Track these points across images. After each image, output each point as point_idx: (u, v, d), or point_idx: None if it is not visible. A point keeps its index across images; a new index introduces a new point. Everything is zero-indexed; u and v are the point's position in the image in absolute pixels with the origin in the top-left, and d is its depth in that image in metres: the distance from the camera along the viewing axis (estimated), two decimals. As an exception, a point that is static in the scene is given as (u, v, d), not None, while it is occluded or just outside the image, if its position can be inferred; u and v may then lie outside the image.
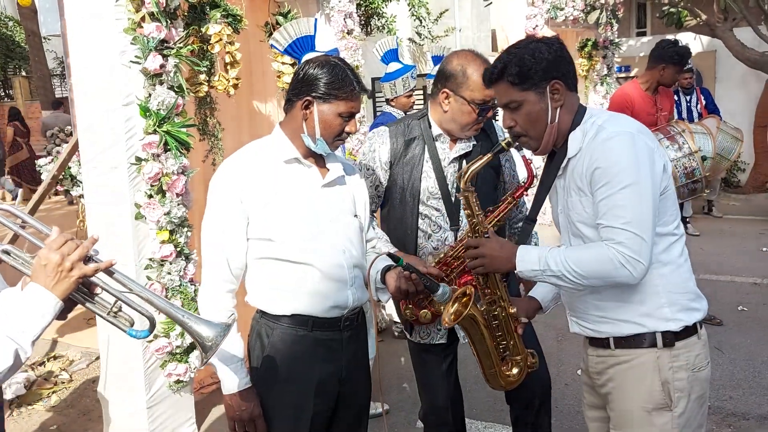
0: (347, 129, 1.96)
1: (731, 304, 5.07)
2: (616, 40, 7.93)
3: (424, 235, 2.47)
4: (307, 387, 1.96)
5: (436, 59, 5.31)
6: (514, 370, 2.07)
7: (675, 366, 1.80)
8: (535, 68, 1.78)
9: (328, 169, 2.03)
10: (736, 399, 3.64)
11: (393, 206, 2.51)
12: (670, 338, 1.80)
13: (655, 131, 4.43)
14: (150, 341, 2.97)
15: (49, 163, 4.46)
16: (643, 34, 13.77)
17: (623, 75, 9.74)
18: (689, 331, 1.82)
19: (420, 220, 2.46)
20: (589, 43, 7.70)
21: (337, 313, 1.99)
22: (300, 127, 1.96)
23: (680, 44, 4.49)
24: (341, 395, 2.04)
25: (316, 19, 3.47)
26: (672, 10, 10.06)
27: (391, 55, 4.81)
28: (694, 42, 11.10)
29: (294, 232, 1.92)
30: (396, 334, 4.90)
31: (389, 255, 2.01)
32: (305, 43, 3.39)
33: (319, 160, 2.03)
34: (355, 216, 2.08)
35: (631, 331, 1.82)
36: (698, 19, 9.92)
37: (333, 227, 1.99)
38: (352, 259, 2.01)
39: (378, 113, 6.23)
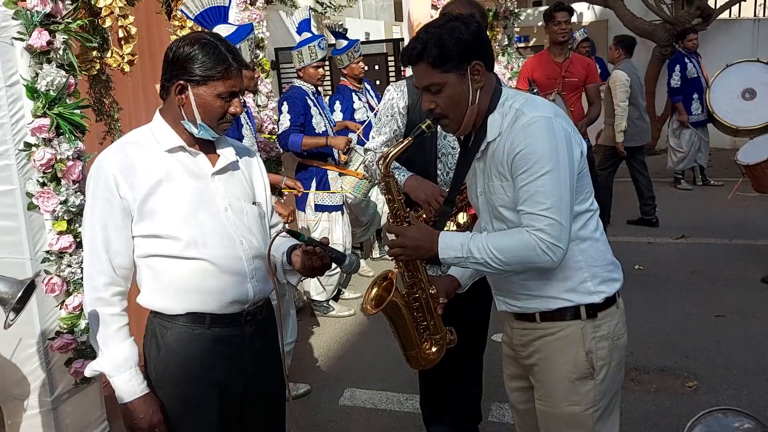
0: (231, 110, 1.81)
1: (628, 264, 5.37)
2: (516, 11, 8.09)
3: (443, 168, 2.63)
4: (210, 387, 1.86)
5: (337, 35, 5.20)
6: (434, 349, 2.08)
7: (597, 336, 1.87)
8: (456, 50, 1.75)
9: (219, 155, 1.90)
10: (637, 354, 3.87)
11: (413, 147, 2.57)
12: (593, 310, 1.87)
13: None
14: (51, 339, 2.79)
15: None
16: (539, 4, 14.15)
17: (522, 45, 9.99)
18: (609, 301, 1.89)
19: (437, 160, 2.66)
20: (491, 13, 7.80)
21: (238, 309, 1.88)
22: (179, 114, 1.81)
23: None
24: (250, 391, 1.95)
25: None
26: (567, -20, 10.37)
27: (304, 25, 4.72)
28: (587, 11, 11.54)
29: (182, 226, 1.79)
30: (314, 311, 4.88)
31: (288, 232, 1.93)
32: (217, 13, 3.23)
33: (209, 146, 1.89)
34: (254, 203, 1.96)
35: (558, 306, 1.87)
36: (590, -11, 10.30)
37: (228, 217, 1.86)
38: (252, 249, 1.89)
39: (285, 86, 6.07)
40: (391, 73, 7.31)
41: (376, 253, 6.09)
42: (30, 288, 1.60)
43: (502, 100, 1.84)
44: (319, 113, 4.61)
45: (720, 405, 3.25)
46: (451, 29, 1.76)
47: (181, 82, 1.78)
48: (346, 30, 5.31)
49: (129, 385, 1.80)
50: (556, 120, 1.76)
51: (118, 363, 1.80)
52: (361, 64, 5.19)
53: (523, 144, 1.73)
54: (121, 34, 3.27)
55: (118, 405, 1.83)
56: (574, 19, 5.33)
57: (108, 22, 3.14)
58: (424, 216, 2.52)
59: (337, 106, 5.14)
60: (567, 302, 1.86)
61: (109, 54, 3.23)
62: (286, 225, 2.23)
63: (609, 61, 7.46)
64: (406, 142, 1.90)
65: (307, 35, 4.65)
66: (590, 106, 5.17)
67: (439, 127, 1.91)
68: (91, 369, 1.87)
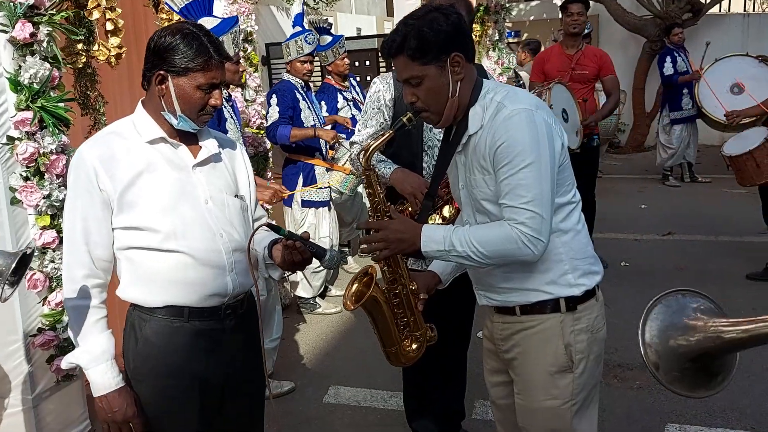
0: (211, 102, 1.81)
1: (614, 260, 5.40)
2: (507, 5, 8.08)
3: (429, 161, 2.65)
4: (189, 381, 1.86)
5: (322, 30, 5.16)
6: (414, 346, 2.08)
7: (576, 329, 1.88)
8: (435, 42, 1.75)
9: (201, 147, 1.89)
10: (621, 351, 3.89)
11: (399, 140, 2.58)
12: (573, 303, 1.88)
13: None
14: (33, 335, 2.77)
15: None
16: (532, -2, 14.14)
17: (514, 40, 9.99)
18: (588, 294, 1.90)
19: (423, 153, 2.66)
20: (481, 8, 7.79)
21: (217, 302, 1.87)
22: (160, 105, 1.81)
23: None
24: (230, 386, 1.95)
25: None
26: (558, -25, 10.37)
27: (298, 19, 4.74)
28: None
29: (162, 218, 1.79)
30: (300, 308, 4.88)
31: (269, 226, 1.92)
32: (202, 5, 3.23)
33: (191, 138, 1.88)
34: (237, 196, 1.96)
35: (538, 299, 1.88)
36: (582, -15, 10.28)
37: (209, 209, 1.86)
38: (232, 242, 1.89)
39: (276, 81, 6.05)
40: (382, 69, 7.31)
41: (364, 249, 6.08)
42: (24, 260, 1.58)
43: (483, 92, 1.84)
44: (308, 107, 4.60)
45: (702, 402, 3.30)
46: (431, 21, 1.75)
47: (162, 72, 1.77)
48: (330, 25, 5.28)
49: (105, 377, 1.80)
50: (537, 112, 1.77)
51: (95, 355, 1.80)
52: (346, 60, 5.15)
53: (505, 137, 1.73)
54: (109, 27, 3.25)
55: (94, 398, 1.83)
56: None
57: (96, 15, 3.11)
58: (410, 209, 2.52)
59: (323, 106, 5.10)
60: (547, 295, 1.87)
61: (96, 47, 3.21)
62: (270, 216, 2.23)
63: (517, 62, 7.53)
64: (386, 135, 1.89)
65: (298, 29, 4.66)
66: (607, 98, 5.20)
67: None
68: (67, 361, 1.87)
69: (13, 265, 1.55)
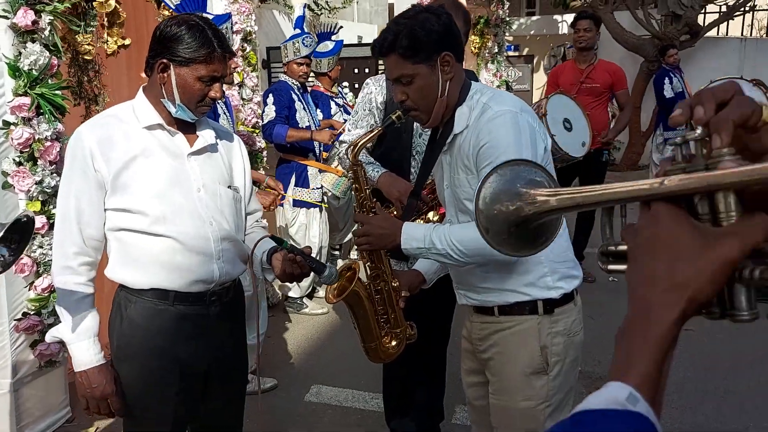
0: (211, 94, 1.85)
1: (603, 275, 5.42)
2: (507, 19, 8.15)
3: (417, 165, 2.63)
4: (171, 363, 1.89)
5: (323, 36, 5.19)
6: (393, 343, 2.10)
7: (553, 332, 1.89)
8: (426, 41, 1.78)
9: (198, 137, 1.93)
10: (605, 363, 3.92)
11: (388, 143, 2.61)
12: (551, 305, 1.89)
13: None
14: (18, 320, 2.78)
15: None
16: (533, 13, 14.27)
17: (514, 54, 10.08)
18: (567, 298, 1.92)
19: (411, 158, 2.65)
20: (482, 20, 7.85)
21: (202, 288, 1.90)
22: (160, 92, 1.84)
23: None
24: (214, 374, 1.97)
25: None
26: (559, -8, 10.50)
27: (299, 21, 4.81)
28: (578, 24, 11.65)
29: (152, 202, 1.82)
30: (287, 308, 4.89)
31: (272, 238, 1.96)
32: (195, 2, 3.27)
33: (189, 127, 1.92)
34: (230, 186, 1.99)
35: (516, 300, 1.89)
36: (582, 1, 10.42)
37: (200, 198, 1.89)
38: (221, 231, 1.91)
39: (274, 81, 6.09)
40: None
41: (354, 254, 6.11)
42: (20, 227, 1.53)
43: (471, 93, 1.87)
44: (303, 108, 4.63)
45: (687, 416, 3.33)
46: (423, 21, 1.78)
47: (165, 60, 1.81)
48: (340, 27, 5.31)
49: (86, 354, 1.83)
50: (522, 115, 1.80)
51: (78, 331, 1.83)
52: (338, 66, 5.26)
53: (488, 137, 1.76)
54: (118, 20, 3.29)
55: (74, 373, 1.87)
56: (564, 30, 5.52)
57: (112, 4, 3.15)
58: (395, 213, 2.56)
59: (319, 113, 5.15)
60: (525, 296, 1.88)
61: (105, 38, 3.25)
62: (265, 220, 2.26)
63: None
64: (375, 131, 1.93)
65: (297, 31, 4.71)
66: (620, 112, 5.38)
67: (416, 125, 1.93)
68: (50, 335, 1.90)
69: (3, 231, 1.50)
